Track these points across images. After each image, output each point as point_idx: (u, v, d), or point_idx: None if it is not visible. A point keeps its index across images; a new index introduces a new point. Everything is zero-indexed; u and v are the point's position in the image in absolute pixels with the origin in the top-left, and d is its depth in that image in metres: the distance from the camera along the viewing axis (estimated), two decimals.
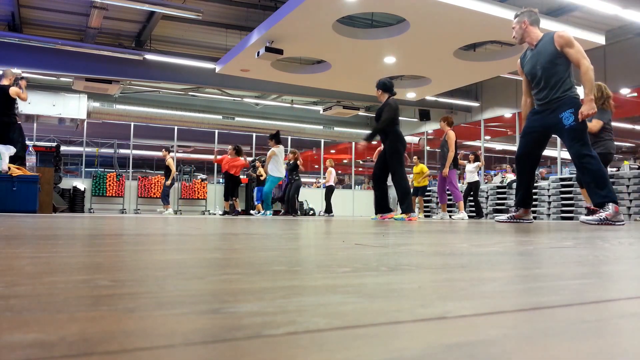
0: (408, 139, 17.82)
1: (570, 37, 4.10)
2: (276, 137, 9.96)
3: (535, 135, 4.35)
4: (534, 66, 4.26)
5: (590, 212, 5.20)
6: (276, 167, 10.00)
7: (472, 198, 11.81)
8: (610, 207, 3.97)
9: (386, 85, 6.25)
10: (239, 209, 11.83)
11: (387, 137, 6.08)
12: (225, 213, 11.19)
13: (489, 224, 4.31)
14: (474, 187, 11.58)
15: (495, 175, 15.58)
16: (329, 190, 12.58)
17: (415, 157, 12.68)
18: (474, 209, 12.05)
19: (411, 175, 12.13)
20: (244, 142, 17.26)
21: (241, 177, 12.74)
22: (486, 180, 14.93)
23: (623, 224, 4.04)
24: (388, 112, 6.05)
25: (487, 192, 13.05)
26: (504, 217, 4.68)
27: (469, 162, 11.67)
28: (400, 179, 5.99)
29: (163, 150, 12.22)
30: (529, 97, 4.49)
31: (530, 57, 4.34)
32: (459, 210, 8.73)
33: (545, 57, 4.18)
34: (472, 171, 11.57)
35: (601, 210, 4.01)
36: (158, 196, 13.15)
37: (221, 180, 16.16)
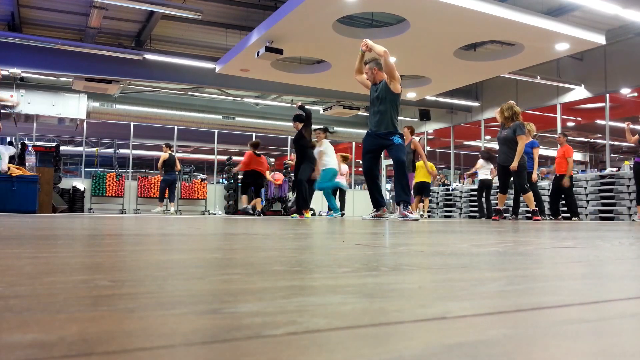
0: None
1: (390, 76, 5.45)
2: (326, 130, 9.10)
3: (372, 154, 5.71)
4: (374, 97, 5.63)
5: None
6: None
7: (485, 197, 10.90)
8: (408, 205, 5.55)
9: (301, 118, 8.10)
10: (252, 209, 10.54)
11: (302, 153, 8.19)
12: (244, 210, 10.25)
13: (489, 224, 4.31)
14: (486, 185, 10.80)
15: (495, 175, 15.54)
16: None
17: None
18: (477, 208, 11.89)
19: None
20: (244, 142, 17.27)
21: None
22: None
23: (417, 220, 5.54)
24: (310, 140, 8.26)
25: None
26: (368, 215, 6.02)
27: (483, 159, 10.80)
28: (300, 184, 8.13)
29: (164, 146, 11.73)
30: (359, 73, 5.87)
31: (373, 90, 5.69)
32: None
33: (384, 91, 5.54)
34: (486, 169, 10.79)
35: (405, 211, 5.45)
36: (157, 196, 13.01)
37: (221, 180, 16.17)
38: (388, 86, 5.53)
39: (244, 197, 10.46)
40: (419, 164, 10.90)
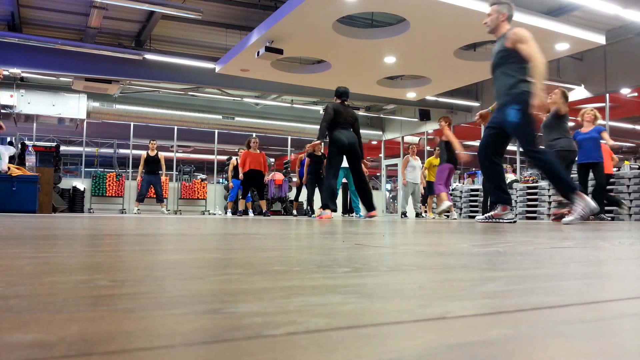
0: (408, 138, 17.87)
1: (523, 33, 4.10)
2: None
3: (492, 131, 4.37)
4: (492, 61, 4.36)
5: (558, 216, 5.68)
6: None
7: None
8: (576, 198, 4.06)
9: (337, 91, 6.63)
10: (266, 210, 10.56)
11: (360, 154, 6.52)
12: (244, 212, 10.35)
13: (488, 224, 4.31)
14: None
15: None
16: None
17: (437, 148, 11.22)
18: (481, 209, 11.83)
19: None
20: (244, 142, 17.31)
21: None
22: None
23: (597, 210, 4.23)
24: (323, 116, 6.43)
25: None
26: (482, 216, 4.62)
27: None
28: (326, 179, 6.41)
29: (152, 142, 11.53)
30: None
31: (493, 51, 4.39)
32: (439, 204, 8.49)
33: (499, 51, 4.23)
34: None
35: (573, 207, 4.09)
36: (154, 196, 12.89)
37: (221, 180, 16.14)
38: (509, 47, 4.16)
39: (241, 202, 10.49)
40: (434, 161, 10.72)
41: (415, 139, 17.73)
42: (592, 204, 4.08)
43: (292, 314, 0.45)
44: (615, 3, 8.14)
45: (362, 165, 6.53)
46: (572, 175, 6.71)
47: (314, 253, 1.14)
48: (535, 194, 11.44)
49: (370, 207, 6.43)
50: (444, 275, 0.76)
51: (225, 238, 1.76)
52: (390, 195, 21.14)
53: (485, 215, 4.55)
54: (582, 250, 1.30)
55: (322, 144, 7.49)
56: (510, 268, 0.87)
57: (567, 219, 4.15)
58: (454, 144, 8.47)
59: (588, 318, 0.46)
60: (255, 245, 1.40)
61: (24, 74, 11.67)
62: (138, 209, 11.54)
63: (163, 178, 11.66)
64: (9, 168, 8.59)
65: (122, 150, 17.00)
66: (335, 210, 6.41)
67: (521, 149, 4.26)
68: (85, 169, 15.18)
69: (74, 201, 13.40)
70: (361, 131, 6.74)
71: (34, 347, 0.33)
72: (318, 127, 6.96)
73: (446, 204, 8.26)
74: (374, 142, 18.95)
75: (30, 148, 11.09)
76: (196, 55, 11.94)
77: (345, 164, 6.79)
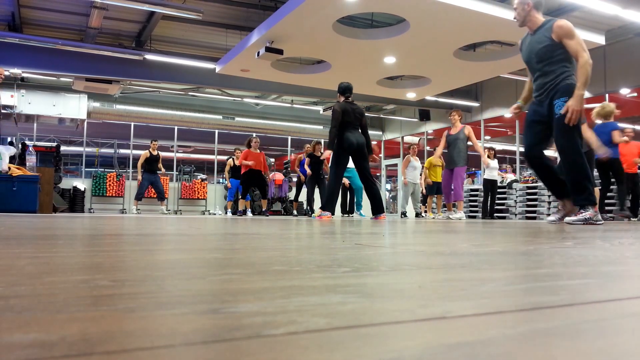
0: (408, 138, 17.86)
1: (570, 27, 3.99)
2: None
3: (539, 127, 4.19)
4: (531, 54, 4.18)
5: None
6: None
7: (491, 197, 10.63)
8: (590, 207, 3.99)
9: (340, 88, 6.49)
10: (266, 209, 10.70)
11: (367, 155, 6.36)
12: (244, 212, 10.39)
13: (488, 224, 4.31)
14: (494, 185, 10.72)
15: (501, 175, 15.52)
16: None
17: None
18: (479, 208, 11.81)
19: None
20: (244, 142, 17.32)
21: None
22: None
23: (602, 224, 4.12)
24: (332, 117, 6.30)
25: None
26: (553, 217, 4.47)
27: (490, 158, 10.54)
28: (330, 179, 6.29)
29: (153, 142, 11.57)
30: (530, 83, 4.40)
31: (528, 43, 4.23)
32: (457, 210, 8.62)
33: (542, 45, 4.07)
34: (494, 168, 10.66)
35: (582, 211, 4.01)
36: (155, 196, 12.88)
37: (221, 180, 16.14)
38: (555, 39, 3.99)
39: (241, 202, 10.43)
40: (434, 161, 10.65)
41: (415, 139, 17.73)
42: (600, 217, 4.08)
43: (292, 313, 0.45)
44: (615, 3, 8.15)
45: (369, 162, 6.40)
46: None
47: (314, 253, 1.14)
48: (535, 194, 11.44)
49: (378, 210, 6.27)
50: (444, 275, 0.76)
51: (226, 238, 1.76)
52: (390, 195, 21.15)
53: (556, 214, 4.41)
54: (582, 250, 1.30)
55: (322, 143, 7.32)
56: (510, 268, 0.87)
57: (570, 218, 4.09)
58: (476, 145, 8.77)
59: (588, 318, 0.46)
60: (256, 245, 1.40)
61: (24, 74, 11.67)
62: (138, 209, 11.55)
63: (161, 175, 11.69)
64: (9, 168, 8.59)
65: (122, 151, 17.00)
66: (333, 214, 6.36)
67: (556, 146, 4.05)
68: (86, 169, 15.18)
69: (74, 201, 13.41)
70: None
71: (34, 346, 0.33)
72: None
73: (462, 215, 8.48)
74: (374, 142, 18.97)
75: (30, 148, 11.10)
76: (196, 56, 11.94)
77: (349, 164, 6.59)
